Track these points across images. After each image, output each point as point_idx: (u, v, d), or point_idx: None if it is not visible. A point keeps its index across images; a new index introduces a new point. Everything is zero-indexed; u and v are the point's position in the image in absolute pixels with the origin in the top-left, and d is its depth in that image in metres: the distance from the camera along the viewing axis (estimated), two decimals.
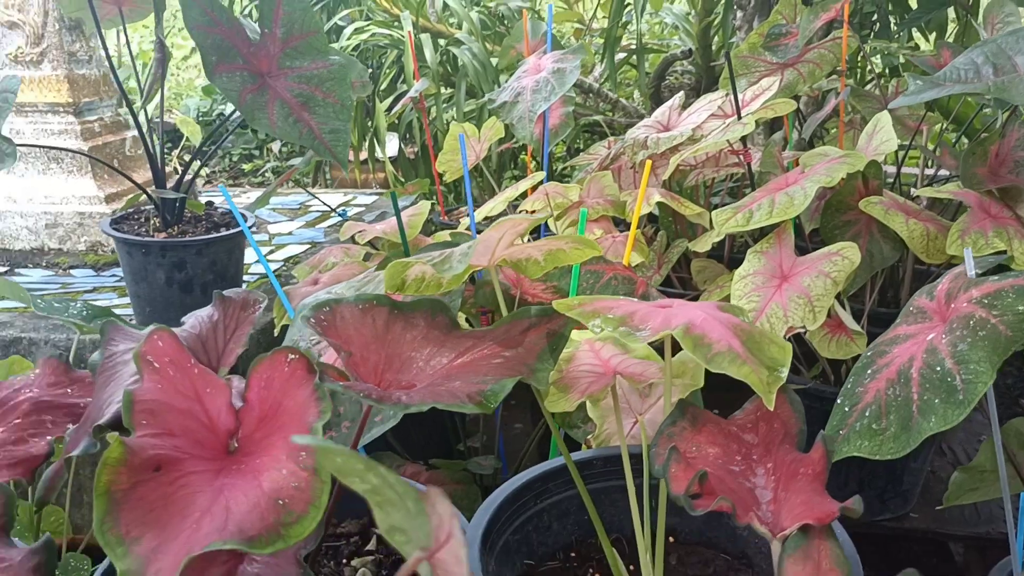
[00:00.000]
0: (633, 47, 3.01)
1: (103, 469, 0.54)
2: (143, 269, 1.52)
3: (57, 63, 2.16)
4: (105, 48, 1.71)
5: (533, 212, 1.71)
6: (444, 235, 1.71)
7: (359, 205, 2.44)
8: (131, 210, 1.70)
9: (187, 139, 3.32)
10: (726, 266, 1.77)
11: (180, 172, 1.62)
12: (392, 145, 2.98)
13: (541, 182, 1.63)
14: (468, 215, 2.30)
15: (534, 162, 2.07)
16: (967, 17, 2.33)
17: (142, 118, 1.61)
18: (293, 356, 0.62)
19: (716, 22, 2.90)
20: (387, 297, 0.73)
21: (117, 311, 1.48)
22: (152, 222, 1.58)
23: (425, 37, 2.78)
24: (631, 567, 0.79)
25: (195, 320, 0.73)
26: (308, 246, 2.10)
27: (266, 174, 3.69)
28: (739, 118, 1.51)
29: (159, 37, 1.58)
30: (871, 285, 1.53)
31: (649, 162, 1.21)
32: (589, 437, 0.89)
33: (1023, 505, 1.14)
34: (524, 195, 1.77)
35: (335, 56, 1.37)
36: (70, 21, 2.18)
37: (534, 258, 0.80)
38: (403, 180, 2.95)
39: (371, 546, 0.86)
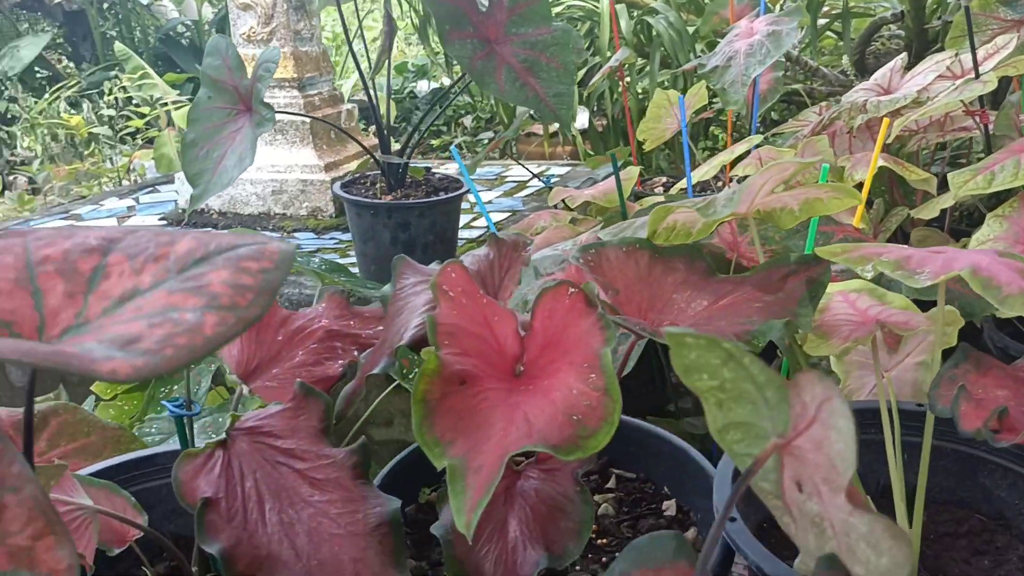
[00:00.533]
0: (835, 11, 2.87)
1: (420, 379, 0.60)
2: (371, 229, 1.64)
3: (284, 41, 2.35)
4: (344, 26, 1.84)
5: (745, 177, 1.69)
6: (652, 199, 1.73)
7: (553, 176, 2.49)
8: (356, 176, 1.83)
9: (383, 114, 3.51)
10: (949, 235, 1.68)
11: (404, 141, 1.73)
12: (582, 117, 3.02)
13: (756, 146, 1.61)
14: (663, 186, 2.30)
15: (735, 134, 2.04)
16: None
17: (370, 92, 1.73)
18: (573, 290, 0.66)
19: None
20: (649, 241, 0.76)
21: None
22: (378, 186, 1.70)
23: (621, 8, 2.79)
24: None
25: (472, 259, 0.79)
26: (508, 214, 2.17)
27: (459, 149, 3.84)
28: (977, 76, 1.42)
29: (387, 11, 1.68)
30: None
31: (886, 120, 1.17)
32: None
33: None
34: (737, 160, 1.75)
35: (557, 23, 1.42)
36: (295, 1, 2.36)
37: (789, 207, 0.81)
38: (592, 152, 2.98)
39: (611, 484, 0.90)
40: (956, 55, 1.71)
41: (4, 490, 0.38)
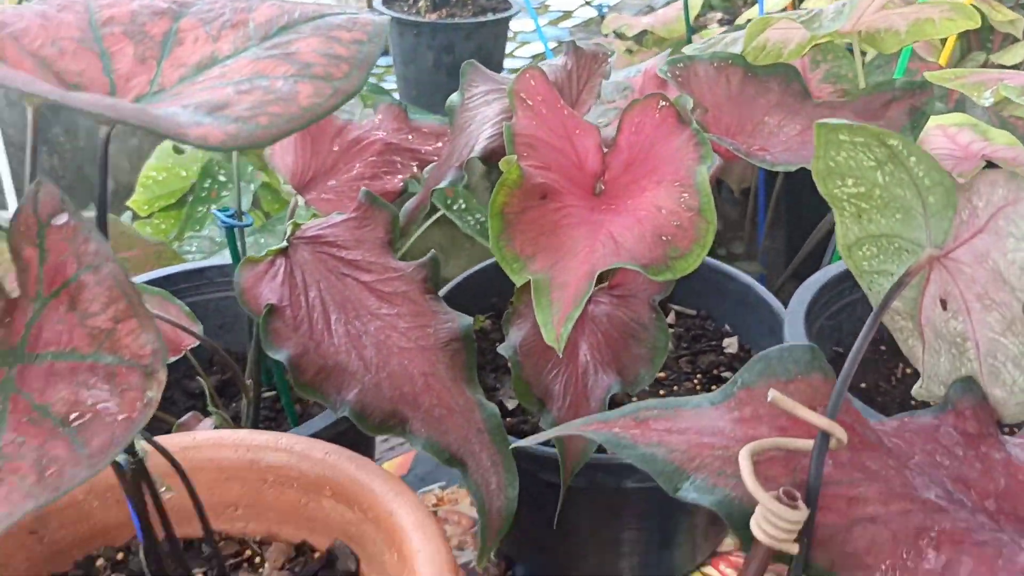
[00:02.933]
0: None
1: (499, 190, 0.56)
2: (413, 50, 1.55)
3: None
4: None
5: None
6: (713, 31, 1.62)
7: (605, 5, 2.35)
8: None
9: None
10: None
11: None
12: None
13: None
14: (718, 22, 2.16)
15: None
16: None
17: None
18: (664, 103, 0.60)
19: None
20: (743, 58, 0.69)
21: None
22: (421, 3, 1.60)
23: None
24: None
25: (549, 68, 0.73)
26: (554, 44, 2.06)
27: None
28: None
29: None
30: None
31: None
32: None
33: None
34: None
35: None
36: None
37: (896, 28, 0.73)
38: None
39: (670, 319, 0.88)
40: None
41: (82, 268, 0.35)
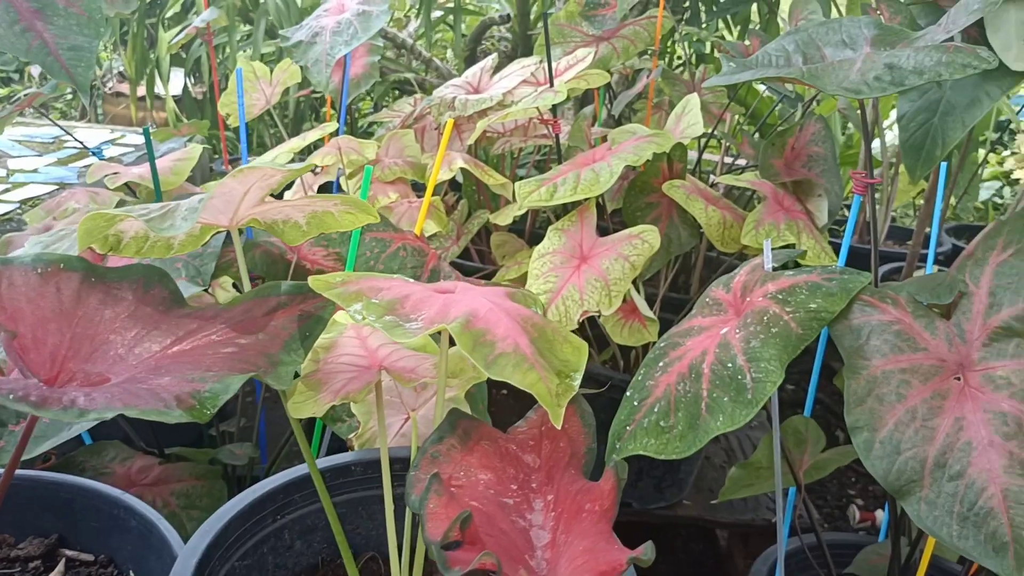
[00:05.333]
0: (451, 5, 2.87)
1: None
2: None
3: None
4: None
5: (324, 168, 1.55)
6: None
7: (127, 145, 2.14)
8: None
9: None
10: (527, 242, 1.70)
11: None
12: (177, 81, 2.67)
13: (335, 133, 1.47)
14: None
15: (334, 112, 1.89)
16: (770, 13, 2.39)
17: None
18: None
19: None
20: (82, 260, 0.56)
21: None
22: None
23: None
24: None
25: None
26: (55, 187, 1.80)
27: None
28: (551, 86, 1.42)
29: None
30: (666, 270, 1.51)
31: (451, 122, 1.09)
32: (352, 436, 0.76)
33: (791, 498, 1.16)
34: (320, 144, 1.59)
35: None
36: None
37: (294, 220, 0.66)
38: (186, 120, 2.64)
39: (59, 570, 0.69)
40: (541, 62, 1.73)
41: None
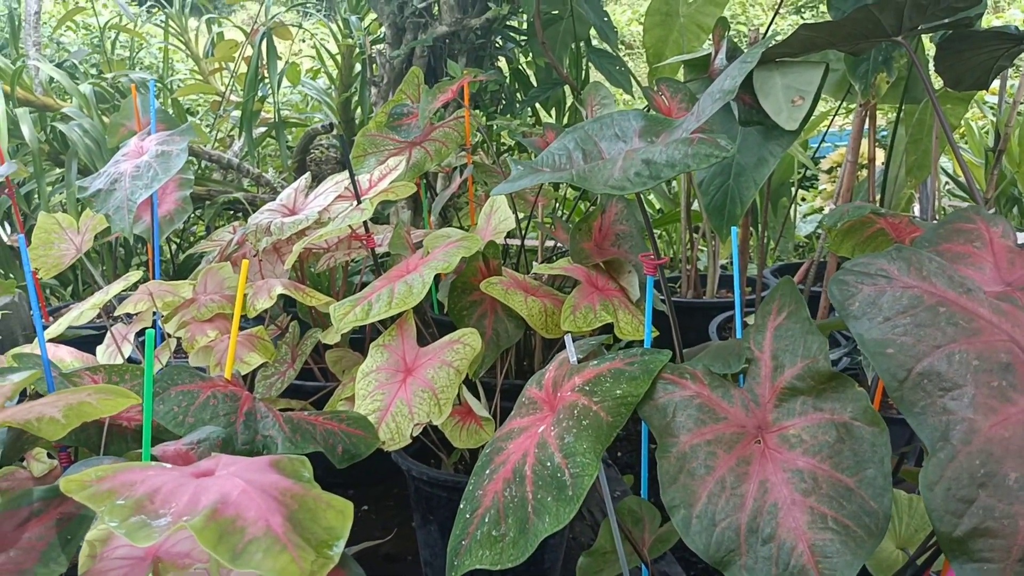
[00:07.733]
0: (272, 121, 2.87)
1: None
2: None
3: None
4: None
5: (137, 314, 1.49)
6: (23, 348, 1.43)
7: None
8: None
9: None
10: (366, 352, 1.69)
11: None
12: None
13: (140, 281, 1.42)
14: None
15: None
16: (577, 96, 2.53)
17: None
18: None
19: (355, 97, 2.88)
20: None
21: None
22: None
23: (23, 111, 2.41)
24: None
25: None
26: None
27: None
28: (358, 203, 1.44)
29: None
30: (502, 359, 1.53)
31: (246, 262, 1.07)
32: None
33: None
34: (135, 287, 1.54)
35: None
36: None
37: (48, 416, 0.63)
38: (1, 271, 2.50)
39: None
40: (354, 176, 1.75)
41: None
